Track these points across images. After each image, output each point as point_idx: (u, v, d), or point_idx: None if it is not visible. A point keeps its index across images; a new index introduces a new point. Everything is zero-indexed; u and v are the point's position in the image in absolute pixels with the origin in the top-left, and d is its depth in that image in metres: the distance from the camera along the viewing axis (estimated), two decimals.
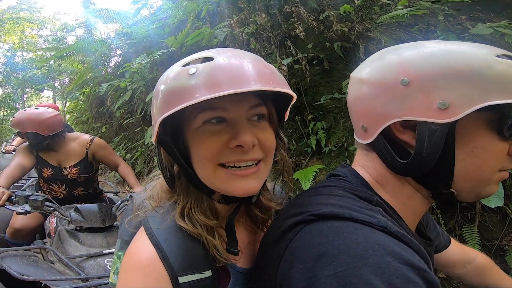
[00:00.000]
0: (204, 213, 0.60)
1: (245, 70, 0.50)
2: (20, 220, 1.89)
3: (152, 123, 0.57)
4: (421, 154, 0.50)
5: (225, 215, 0.63)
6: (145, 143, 3.35)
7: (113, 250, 1.34)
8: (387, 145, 0.54)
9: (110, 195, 2.35)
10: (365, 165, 0.60)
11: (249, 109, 0.56)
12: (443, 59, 0.49)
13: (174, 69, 0.54)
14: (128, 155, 3.97)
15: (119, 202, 1.77)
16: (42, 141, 1.90)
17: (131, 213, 0.68)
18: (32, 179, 2.63)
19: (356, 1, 2.76)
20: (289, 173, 0.70)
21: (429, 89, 0.48)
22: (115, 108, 3.71)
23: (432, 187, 0.55)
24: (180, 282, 0.52)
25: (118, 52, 4.65)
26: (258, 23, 3.09)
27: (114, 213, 1.69)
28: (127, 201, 1.75)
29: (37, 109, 1.93)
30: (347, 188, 0.56)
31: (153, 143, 0.59)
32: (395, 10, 2.41)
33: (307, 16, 2.50)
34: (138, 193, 0.74)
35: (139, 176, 3.66)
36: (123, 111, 4.04)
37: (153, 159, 3.47)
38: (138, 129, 3.85)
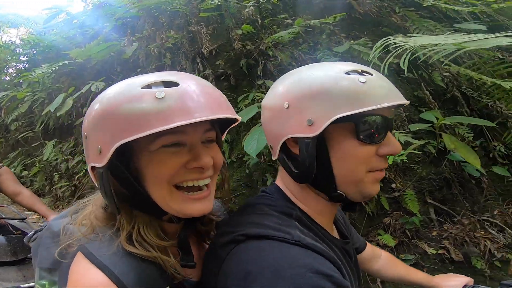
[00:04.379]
0: (156, 235, 0.59)
1: (211, 98, 0.55)
2: None
3: (97, 144, 0.54)
4: (304, 163, 0.58)
5: (173, 233, 0.64)
6: (44, 159, 3.07)
7: (32, 284, 1.24)
8: (285, 159, 0.63)
9: (14, 222, 2.00)
10: (282, 179, 0.69)
11: (204, 133, 0.60)
12: (307, 83, 0.58)
13: (132, 90, 0.53)
14: (25, 172, 3.56)
15: (32, 232, 1.60)
16: None
17: (49, 241, 0.65)
18: None
19: (259, 21, 3.03)
20: (227, 186, 0.74)
21: (300, 109, 0.58)
22: (9, 120, 3.34)
23: (325, 191, 0.63)
24: None
25: (24, 59, 4.24)
26: (171, 39, 3.17)
27: (27, 244, 1.50)
28: (41, 231, 1.57)
29: None
30: (271, 205, 0.64)
31: (100, 167, 0.54)
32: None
33: (205, 35, 2.66)
34: (54, 219, 0.71)
35: (39, 193, 3.30)
36: (20, 124, 3.66)
37: (54, 175, 3.19)
38: (37, 143, 3.52)
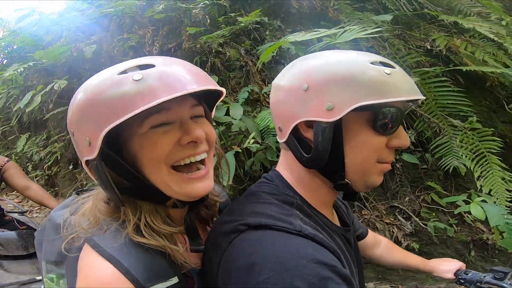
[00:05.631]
0: (163, 222, 0.59)
1: (189, 72, 0.55)
2: None
3: (85, 137, 0.54)
4: (318, 148, 0.58)
5: (179, 219, 0.64)
6: (18, 151, 3.40)
7: None
8: (296, 142, 0.63)
9: (15, 216, 2.02)
10: (286, 164, 0.68)
11: (191, 108, 0.59)
12: (333, 67, 0.58)
13: (110, 78, 0.53)
14: None
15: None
16: None
17: (52, 232, 0.64)
18: None
19: (208, 21, 3.22)
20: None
21: (321, 93, 0.57)
22: None
23: (332, 178, 0.64)
24: None
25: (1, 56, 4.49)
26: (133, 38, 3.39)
27: None
28: None
29: None
30: (272, 193, 0.64)
31: (93, 159, 0.53)
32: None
33: (147, 40, 2.89)
34: (55, 210, 0.70)
35: None
36: None
37: (28, 166, 3.52)
38: (13, 137, 3.86)
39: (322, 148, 0.58)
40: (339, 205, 0.81)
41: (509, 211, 1.85)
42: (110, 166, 0.56)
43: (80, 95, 0.56)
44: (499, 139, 2.00)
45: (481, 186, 1.92)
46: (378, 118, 0.58)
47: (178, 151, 0.57)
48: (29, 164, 3.51)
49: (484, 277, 0.94)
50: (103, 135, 0.50)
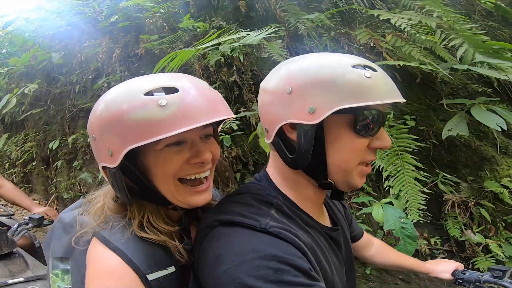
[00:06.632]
0: (164, 221, 0.67)
1: (210, 100, 0.61)
2: None
3: (107, 147, 0.60)
4: (301, 149, 0.60)
5: (177, 219, 0.71)
6: None
7: (20, 279, 1.33)
8: (281, 143, 0.65)
9: (2, 219, 1.93)
10: (274, 164, 0.71)
11: (202, 129, 0.65)
12: (314, 70, 0.60)
13: (135, 97, 0.58)
14: None
15: (16, 225, 1.63)
16: None
17: (60, 231, 0.72)
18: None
19: (166, 27, 3.33)
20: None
21: (304, 96, 0.59)
22: None
23: (316, 178, 0.66)
24: (149, 279, 0.59)
25: None
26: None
27: (11, 238, 1.52)
28: (26, 224, 1.64)
29: None
30: (256, 194, 0.67)
31: (112, 169, 0.61)
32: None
33: (103, 48, 3.04)
34: (64, 211, 0.78)
35: None
36: None
37: (5, 164, 3.79)
38: None
39: (305, 150, 0.60)
40: (331, 206, 0.83)
41: (421, 214, 1.73)
42: (125, 173, 0.63)
43: (103, 106, 0.62)
44: (415, 136, 1.88)
45: (389, 186, 1.81)
46: (359, 120, 0.59)
47: (186, 168, 0.64)
48: (6, 162, 3.79)
49: (482, 276, 0.94)
50: (125, 152, 0.57)
